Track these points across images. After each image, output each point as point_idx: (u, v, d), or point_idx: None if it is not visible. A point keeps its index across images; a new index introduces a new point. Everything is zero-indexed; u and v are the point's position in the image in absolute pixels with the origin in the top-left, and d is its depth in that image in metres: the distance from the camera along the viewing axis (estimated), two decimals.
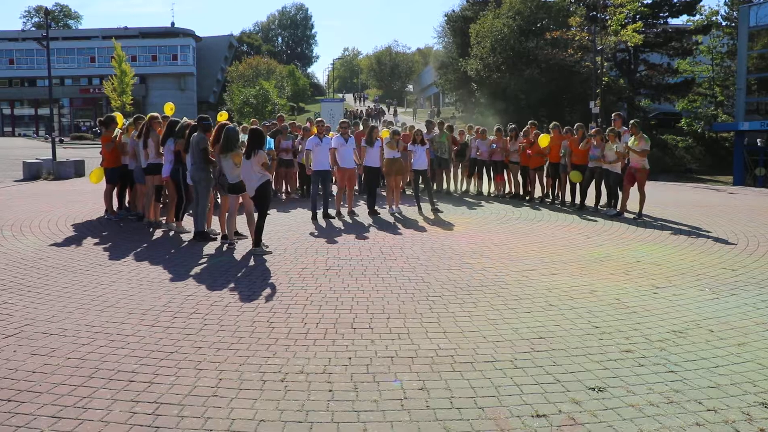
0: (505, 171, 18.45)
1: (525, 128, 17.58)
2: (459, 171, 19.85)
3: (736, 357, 5.98)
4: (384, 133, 16.34)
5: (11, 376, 5.40)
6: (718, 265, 9.84)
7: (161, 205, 13.13)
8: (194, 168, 11.16)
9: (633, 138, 14.23)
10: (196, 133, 11.18)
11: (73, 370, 5.54)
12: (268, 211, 10.98)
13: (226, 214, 11.16)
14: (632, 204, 14.70)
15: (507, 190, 18.62)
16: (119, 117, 14.40)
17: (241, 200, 10.97)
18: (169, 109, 15.51)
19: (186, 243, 11.26)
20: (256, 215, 10.65)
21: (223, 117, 17.37)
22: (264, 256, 10.20)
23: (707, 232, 12.60)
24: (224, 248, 10.81)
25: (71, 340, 6.30)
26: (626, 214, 14.59)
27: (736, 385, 5.31)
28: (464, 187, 19.64)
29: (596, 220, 14.01)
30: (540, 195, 17.51)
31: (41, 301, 7.66)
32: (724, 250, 10.97)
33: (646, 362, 5.81)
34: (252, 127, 11.13)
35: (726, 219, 14.33)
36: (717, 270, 9.55)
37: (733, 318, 7.20)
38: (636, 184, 14.27)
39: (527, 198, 17.47)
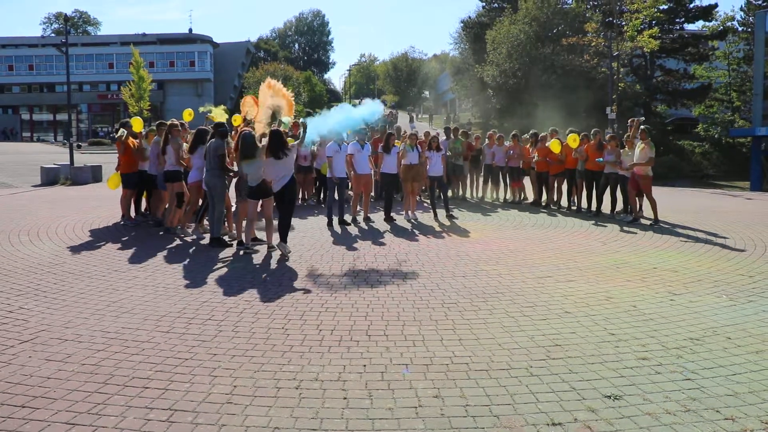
0: (522, 177, 18.43)
1: (543, 134, 17.52)
2: (475, 177, 19.78)
3: (754, 365, 5.92)
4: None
5: (26, 381, 5.43)
6: (735, 272, 9.76)
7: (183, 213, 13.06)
8: (209, 174, 11.20)
9: (641, 143, 14.15)
10: (213, 140, 11.22)
11: (87, 376, 5.56)
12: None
13: (243, 220, 11.21)
14: (649, 210, 14.62)
15: (524, 196, 18.57)
16: (138, 121, 14.43)
17: (259, 207, 11.03)
18: (188, 114, 15.49)
19: (202, 249, 11.28)
20: (275, 222, 10.78)
21: (237, 120, 16.88)
22: (280, 262, 10.21)
23: (724, 238, 12.50)
24: (240, 254, 10.83)
25: (86, 346, 6.33)
26: (643, 221, 14.51)
27: (754, 393, 5.25)
28: (480, 194, 19.60)
29: (612, 227, 13.93)
30: (556, 201, 17.42)
31: (57, 307, 7.69)
32: (741, 256, 10.88)
33: (663, 370, 5.76)
34: (272, 129, 11.04)
35: (743, 225, 14.22)
36: (734, 276, 9.47)
37: (750, 325, 7.13)
38: (641, 191, 14.26)
39: (544, 205, 17.40)
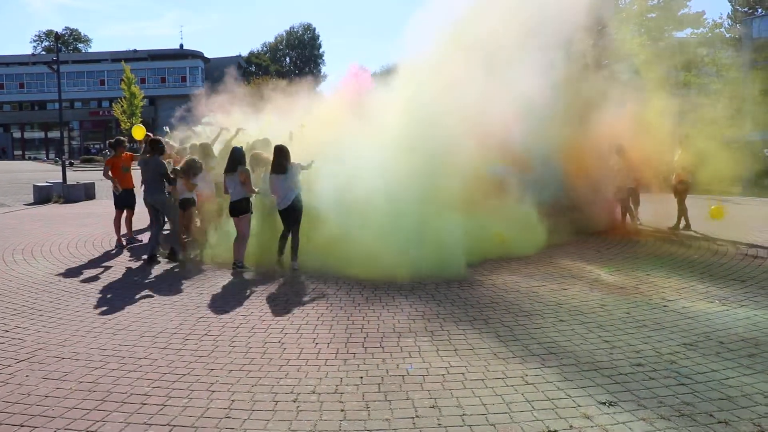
0: None
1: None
2: None
3: (747, 368, 5.98)
4: None
5: (24, 401, 5.45)
6: (727, 277, 9.83)
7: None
8: (151, 191, 11.39)
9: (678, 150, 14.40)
10: (153, 157, 11.45)
11: (85, 393, 5.58)
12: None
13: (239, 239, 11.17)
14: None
15: None
16: (139, 129, 14.47)
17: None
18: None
19: (195, 266, 11.25)
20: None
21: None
22: (274, 278, 10.23)
23: (715, 243, 12.57)
24: (235, 272, 10.82)
25: (83, 364, 6.35)
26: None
27: (747, 397, 5.31)
28: None
29: (605, 236, 13.95)
30: None
31: (53, 325, 7.71)
32: (732, 261, 10.95)
33: (657, 375, 5.81)
34: (276, 145, 10.95)
35: (734, 230, 14.24)
36: (726, 281, 9.54)
37: (742, 329, 7.19)
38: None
39: None
